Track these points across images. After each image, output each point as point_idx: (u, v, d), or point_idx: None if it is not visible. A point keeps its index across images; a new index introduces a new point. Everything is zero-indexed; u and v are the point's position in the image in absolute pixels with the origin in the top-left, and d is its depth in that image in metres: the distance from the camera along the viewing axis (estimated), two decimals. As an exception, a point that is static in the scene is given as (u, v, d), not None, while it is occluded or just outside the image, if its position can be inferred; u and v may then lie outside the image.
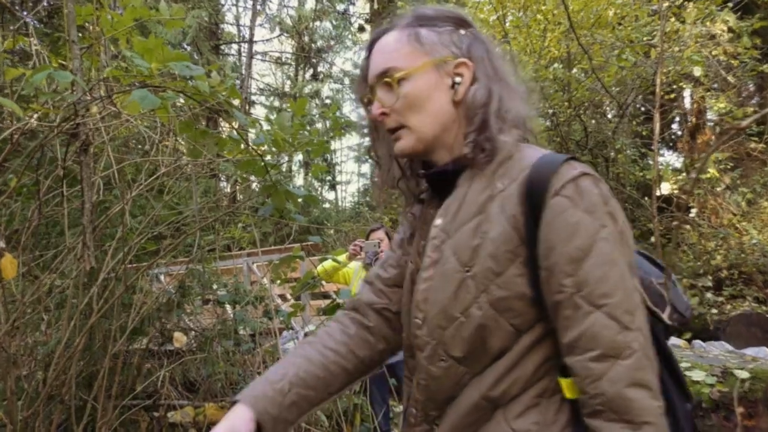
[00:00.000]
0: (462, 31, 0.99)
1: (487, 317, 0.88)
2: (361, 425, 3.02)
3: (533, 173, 0.89)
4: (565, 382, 0.88)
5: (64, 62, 2.56)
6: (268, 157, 1.92)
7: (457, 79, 0.97)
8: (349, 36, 19.61)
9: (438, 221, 0.98)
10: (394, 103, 0.97)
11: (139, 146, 3.32)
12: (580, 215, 0.84)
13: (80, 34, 2.09)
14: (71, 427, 2.30)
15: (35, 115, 1.88)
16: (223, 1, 17.20)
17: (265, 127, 2.10)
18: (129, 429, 2.87)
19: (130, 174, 2.82)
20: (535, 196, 0.87)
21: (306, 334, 4.94)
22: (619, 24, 5.76)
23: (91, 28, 2.26)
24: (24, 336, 2.45)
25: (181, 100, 1.91)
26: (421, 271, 0.98)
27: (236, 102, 1.90)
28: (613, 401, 0.80)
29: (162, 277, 3.93)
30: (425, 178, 1.05)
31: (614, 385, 0.80)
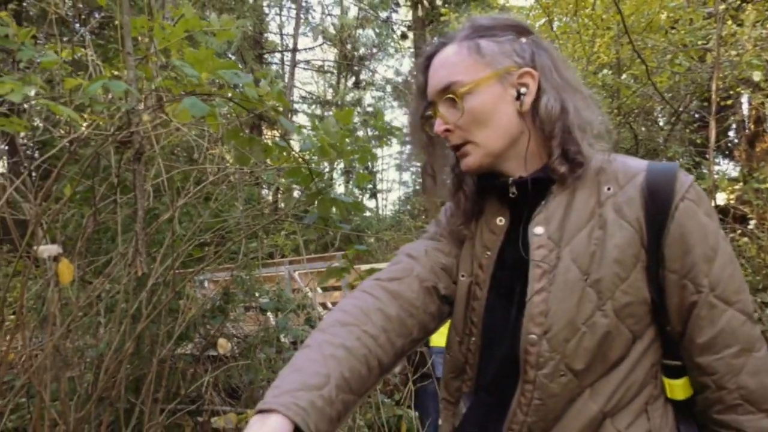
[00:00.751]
0: (523, 40, 0.97)
1: (611, 325, 0.87)
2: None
3: (652, 178, 0.89)
4: (676, 384, 0.89)
5: (117, 72, 2.63)
6: (322, 166, 1.92)
7: (522, 90, 0.94)
8: (392, 43, 19.71)
9: (539, 229, 0.93)
10: (458, 119, 0.95)
11: (184, 154, 3.38)
12: (704, 217, 0.87)
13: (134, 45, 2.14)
14: (119, 429, 2.34)
15: (91, 124, 1.93)
16: (267, 11, 17.56)
17: (311, 134, 2.10)
18: (174, 433, 2.91)
19: (178, 182, 2.88)
20: (659, 201, 0.88)
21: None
22: (672, 28, 5.57)
23: (141, 39, 2.31)
24: (75, 339, 2.51)
25: (227, 109, 1.92)
26: (530, 283, 0.91)
27: (283, 109, 1.91)
28: (754, 393, 0.83)
29: (206, 284, 4.00)
30: (514, 186, 0.97)
31: (755, 377, 0.83)
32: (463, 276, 1.03)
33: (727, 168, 11.44)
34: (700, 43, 5.27)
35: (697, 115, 7.56)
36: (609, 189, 0.91)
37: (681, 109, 6.05)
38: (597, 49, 5.90)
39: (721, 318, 0.84)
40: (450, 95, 0.95)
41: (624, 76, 6.06)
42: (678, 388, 0.89)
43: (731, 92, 5.93)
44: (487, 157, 0.96)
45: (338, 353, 0.85)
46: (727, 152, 11.88)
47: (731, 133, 11.52)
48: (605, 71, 6.03)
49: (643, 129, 7.31)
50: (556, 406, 0.89)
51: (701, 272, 0.85)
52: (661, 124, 7.87)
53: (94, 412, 2.21)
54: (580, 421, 0.88)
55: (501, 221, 1.00)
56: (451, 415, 1.05)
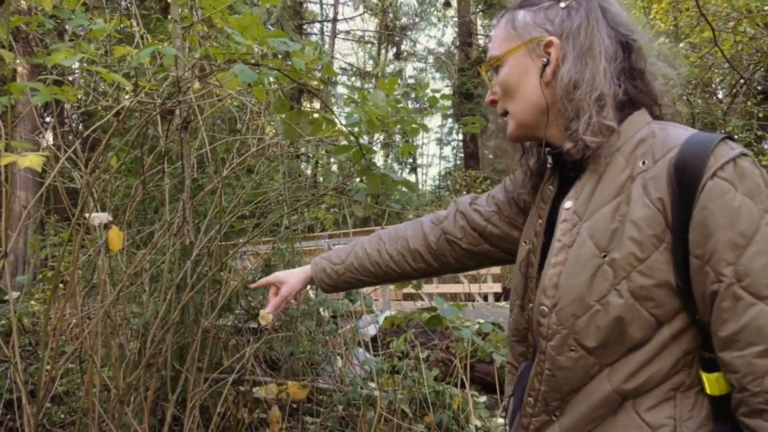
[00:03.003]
0: (562, 4, 0.94)
1: (627, 306, 0.83)
2: (440, 412, 2.95)
3: (684, 153, 0.82)
4: (709, 378, 0.83)
5: (160, 42, 2.61)
6: (363, 138, 1.86)
7: (544, 60, 0.94)
8: (435, 12, 19.28)
9: (568, 203, 0.94)
10: (498, 92, 1.01)
11: (224, 126, 3.38)
12: (742, 198, 0.77)
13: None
14: (166, 395, 2.39)
15: (138, 94, 1.92)
16: (308, -19, 17.41)
17: (355, 107, 2.03)
18: (217, 401, 2.97)
19: (221, 153, 2.87)
20: (687, 178, 0.80)
21: (386, 318, 4.93)
22: (737, -8, 5.24)
23: (182, 9, 2.27)
24: (123, 307, 2.56)
25: (272, 79, 1.87)
26: (549, 256, 0.93)
27: (329, 80, 1.85)
28: None
29: (247, 256, 4.03)
30: (551, 156, 1.02)
31: None
32: (524, 242, 1.05)
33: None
34: (766, 8, 4.92)
35: (760, 87, 7.12)
36: (644, 163, 0.86)
37: (746, 77, 5.69)
38: (654, 15, 5.59)
39: (747, 312, 0.75)
40: (489, 68, 1.01)
41: (682, 44, 5.74)
42: (712, 383, 0.82)
43: (801, 62, 5.56)
44: (521, 128, 1.00)
45: (359, 252, 1.31)
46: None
47: (798, 106, 10.89)
48: (662, 40, 5.71)
49: (701, 101, 6.96)
50: (568, 379, 0.90)
51: (723, 260, 0.77)
52: (720, 96, 7.46)
53: (142, 378, 2.26)
54: (594, 399, 0.88)
55: (550, 190, 1.02)
56: (513, 379, 1.08)
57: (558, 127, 0.96)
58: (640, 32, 0.95)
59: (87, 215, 1.98)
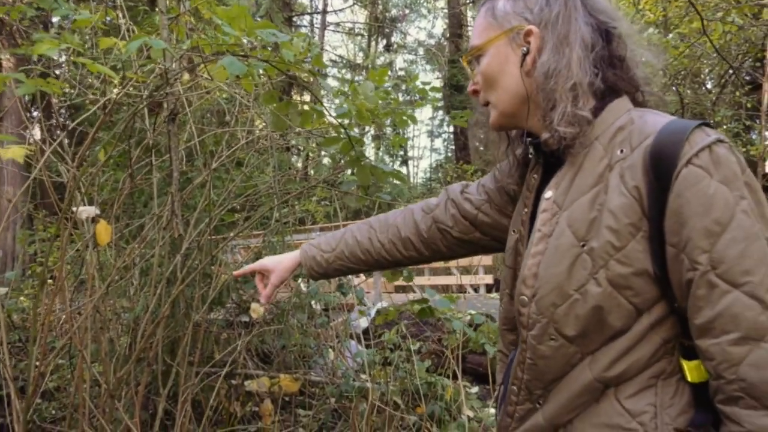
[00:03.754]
0: None
1: (606, 295, 0.83)
2: (432, 403, 2.96)
3: (659, 140, 0.81)
4: (689, 365, 0.82)
5: (147, 34, 2.58)
6: (353, 131, 1.85)
7: (524, 49, 0.93)
8: (425, 4, 19.20)
9: (548, 193, 0.94)
10: (479, 81, 1.00)
11: (212, 118, 3.35)
12: (717, 186, 0.76)
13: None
14: (157, 389, 2.38)
15: (124, 86, 1.89)
16: (297, -28, 17.25)
17: (344, 98, 2.02)
18: (208, 394, 2.96)
19: (210, 145, 2.85)
20: (662, 166, 0.79)
21: (378, 311, 4.94)
22: (726, -18, 5.25)
23: (173, 2, 2.25)
24: (113, 301, 2.54)
25: (261, 71, 1.86)
26: (529, 246, 0.94)
27: (317, 72, 1.83)
28: (755, 387, 0.74)
29: (237, 249, 4.01)
30: (533, 146, 1.02)
31: (758, 370, 0.74)
32: (513, 232, 1.05)
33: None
34: (756, -2, 4.95)
35: (748, 77, 7.17)
36: (621, 152, 0.85)
37: (732, 69, 5.71)
38: (643, 6, 5.59)
39: (722, 300, 0.75)
40: (470, 57, 1.01)
41: (671, 35, 5.75)
42: (692, 370, 0.82)
43: (788, 52, 5.59)
44: (503, 117, 0.99)
45: (350, 240, 1.30)
46: (779, 117, 11.31)
47: (785, 97, 10.96)
48: (651, 30, 5.72)
49: (690, 92, 6.99)
50: (550, 368, 0.90)
51: (698, 248, 0.76)
52: (708, 86, 7.50)
53: (132, 372, 2.25)
54: (575, 387, 0.88)
55: (534, 179, 1.02)
56: (504, 368, 1.08)
57: (538, 117, 0.95)
58: (621, 19, 0.94)
59: (74, 209, 1.96)
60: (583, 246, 0.85)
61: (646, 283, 0.82)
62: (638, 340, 0.84)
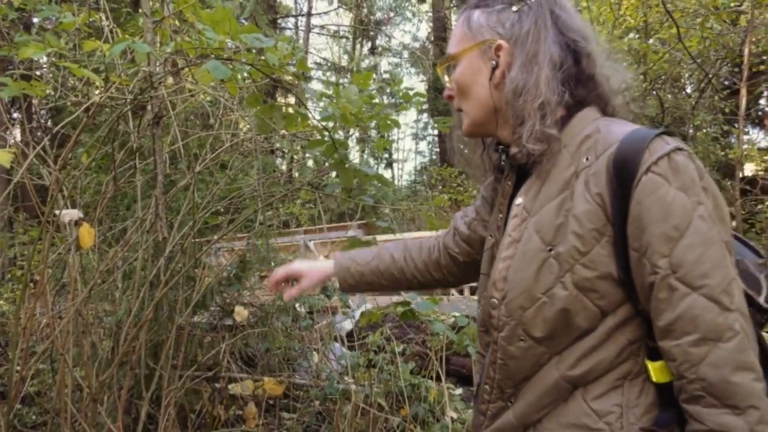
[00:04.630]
0: (514, 8, 0.96)
1: (572, 298, 0.86)
2: (416, 405, 2.98)
3: (622, 149, 0.84)
4: (653, 366, 0.85)
5: (131, 37, 2.57)
6: (338, 134, 1.86)
7: (493, 63, 0.96)
8: (409, 7, 19.26)
9: (519, 200, 0.97)
10: (454, 88, 1.03)
11: (198, 122, 3.34)
12: (675, 192, 0.80)
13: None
14: (140, 393, 2.37)
15: (108, 89, 1.89)
16: (282, -26, 17.21)
17: (328, 101, 2.03)
18: (192, 398, 2.94)
19: (194, 148, 2.84)
20: (624, 174, 0.83)
21: (362, 313, 4.95)
22: (705, -11, 5.35)
23: (153, 3, 2.24)
24: (94, 305, 2.52)
25: (245, 74, 1.86)
26: (500, 250, 0.97)
27: (302, 75, 1.84)
28: (715, 386, 0.76)
29: (221, 252, 3.99)
30: (504, 154, 1.05)
31: (717, 369, 0.76)
32: (490, 236, 1.08)
33: (758, 137, 11.12)
34: (732, 5, 5.04)
35: (727, 82, 7.31)
36: (587, 159, 0.89)
37: (711, 74, 5.82)
38: (624, 12, 5.68)
39: (682, 302, 0.78)
40: (445, 65, 1.03)
41: (651, 40, 5.84)
42: (657, 371, 0.85)
43: (764, 57, 5.70)
44: (473, 126, 1.02)
45: (386, 257, 1.33)
46: (757, 121, 11.49)
47: (762, 101, 11.12)
48: (632, 35, 5.80)
49: (670, 96, 7.10)
50: (519, 367, 0.93)
51: (657, 252, 0.80)
52: (688, 91, 7.63)
53: (115, 376, 2.23)
54: (543, 385, 0.91)
55: (508, 185, 1.05)
56: (480, 368, 1.11)
57: (509, 129, 0.98)
58: (591, 37, 0.97)
59: (57, 212, 1.95)
60: (551, 251, 0.88)
61: (610, 286, 0.85)
62: (603, 340, 0.87)
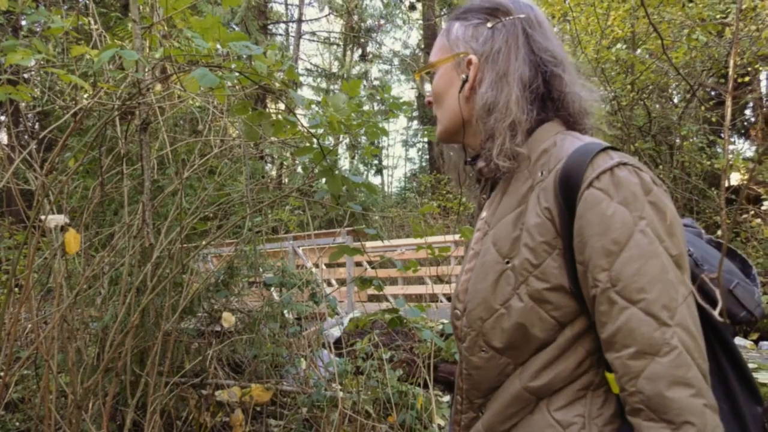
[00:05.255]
0: (489, 24, 0.98)
1: (528, 309, 0.86)
2: (403, 412, 2.98)
3: (568, 164, 0.85)
4: (610, 377, 0.85)
5: (119, 42, 2.57)
6: (326, 141, 1.87)
7: (463, 76, 0.98)
8: (400, 15, 19.36)
9: (483, 213, 0.99)
10: (431, 95, 1.06)
11: (185, 127, 3.34)
12: (615, 207, 0.80)
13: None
14: (125, 400, 2.35)
15: (96, 95, 1.88)
16: (273, -20, 17.24)
17: (318, 110, 2.04)
18: (178, 405, 2.92)
19: (182, 154, 2.84)
20: (569, 189, 0.84)
21: (351, 320, 4.94)
22: (690, 1, 5.41)
23: (143, 8, 2.24)
24: (81, 311, 2.50)
25: (234, 81, 1.87)
26: (464, 263, 1.00)
27: (291, 82, 1.85)
28: (651, 400, 0.76)
29: (209, 258, 3.98)
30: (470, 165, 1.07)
31: (652, 383, 0.76)
32: (472, 249, 1.08)
33: (743, 147, 11.25)
34: (718, 17, 5.12)
35: (713, 93, 7.42)
36: (541, 174, 0.90)
37: (697, 85, 5.89)
38: (611, 22, 5.75)
39: (621, 316, 0.78)
40: (425, 72, 1.07)
41: (639, 51, 5.91)
42: (613, 382, 0.84)
43: (749, 69, 5.79)
44: (444, 134, 1.06)
45: None
46: (742, 131, 11.66)
47: (748, 112, 11.29)
48: (619, 46, 5.88)
49: (657, 106, 7.18)
50: (484, 378, 0.95)
51: (598, 266, 0.80)
52: (675, 101, 7.72)
53: (100, 383, 2.21)
54: (506, 396, 0.92)
55: (483, 198, 1.06)
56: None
57: (476, 140, 1.00)
58: (563, 57, 0.98)
59: (43, 217, 1.94)
60: (507, 263, 0.89)
61: (563, 298, 0.85)
62: (562, 352, 0.87)
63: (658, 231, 0.80)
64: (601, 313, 0.81)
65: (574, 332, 0.86)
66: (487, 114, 0.94)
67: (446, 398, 3.85)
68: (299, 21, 17.64)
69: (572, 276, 0.84)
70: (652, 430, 0.76)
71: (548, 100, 0.97)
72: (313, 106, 2.11)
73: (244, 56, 1.68)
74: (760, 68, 5.89)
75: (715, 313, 0.88)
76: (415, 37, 21.18)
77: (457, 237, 4.63)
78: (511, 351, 0.90)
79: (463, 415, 1.01)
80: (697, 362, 0.77)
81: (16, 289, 2.70)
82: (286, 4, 18.79)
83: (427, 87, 1.11)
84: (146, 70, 1.78)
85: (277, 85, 1.80)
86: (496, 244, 0.92)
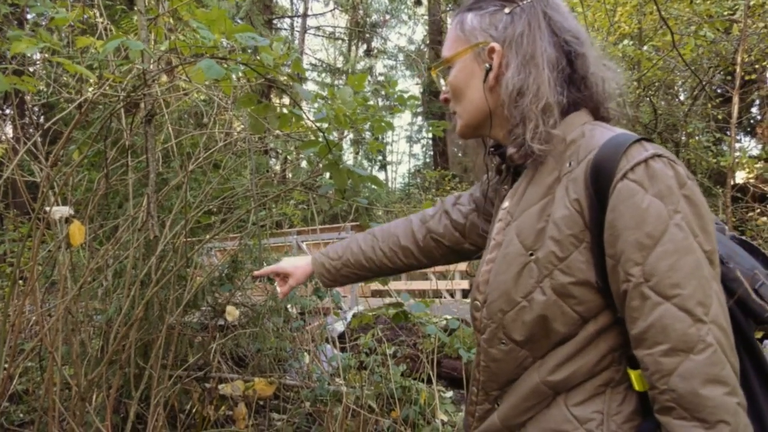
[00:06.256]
0: (507, 10, 0.95)
1: (550, 303, 0.85)
2: (406, 407, 2.98)
3: (600, 155, 0.83)
4: (634, 374, 0.83)
5: (124, 33, 2.56)
6: (332, 135, 1.86)
7: (486, 65, 0.95)
8: (405, 10, 19.30)
9: (506, 203, 0.97)
10: (449, 91, 1.03)
11: (192, 121, 3.33)
12: (650, 200, 0.78)
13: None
14: (129, 392, 2.35)
15: (101, 86, 1.88)
16: (278, -25, 17.19)
17: (324, 103, 2.03)
18: (182, 398, 2.93)
19: (187, 147, 2.83)
20: (601, 180, 0.82)
21: (354, 315, 4.94)
22: (698, -3, 5.39)
23: (153, 1, 2.23)
24: (85, 303, 2.51)
25: (240, 74, 1.86)
26: (485, 253, 0.98)
27: (296, 76, 1.84)
28: (684, 398, 0.74)
29: (213, 252, 3.98)
30: (498, 156, 1.05)
31: (686, 381, 0.74)
32: (494, 240, 1.07)
33: (749, 145, 11.21)
34: (726, 13, 5.09)
35: (719, 90, 7.36)
36: (570, 165, 0.88)
37: (706, 81, 5.85)
38: (618, 18, 5.71)
39: (654, 311, 0.76)
40: (440, 68, 1.04)
41: (645, 47, 5.88)
42: (638, 379, 0.83)
43: (757, 66, 5.76)
44: (467, 128, 1.02)
45: (354, 248, 1.34)
46: (749, 129, 11.60)
47: (754, 109, 11.23)
48: (626, 42, 5.84)
49: (663, 103, 7.15)
50: (502, 370, 0.94)
51: (630, 260, 0.78)
52: (681, 98, 7.69)
53: (104, 375, 2.21)
54: (524, 389, 0.91)
55: (505, 189, 1.04)
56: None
57: (503, 131, 0.98)
58: (585, 37, 0.96)
59: (47, 209, 1.94)
60: (531, 255, 0.87)
61: (589, 293, 0.84)
62: (584, 347, 0.86)
63: (693, 225, 0.77)
64: (633, 308, 0.79)
65: (597, 327, 0.85)
66: (517, 98, 0.91)
67: (449, 394, 3.85)
68: (304, 15, 17.61)
69: (599, 270, 0.83)
70: (684, 429, 0.75)
71: (572, 82, 0.94)
72: (319, 99, 2.10)
73: (250, 49, 1.67)
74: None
75: (754, 296, 0.86)
76: (420, 32, 21.19)
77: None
78: (531, 344, 0.89)
79: (479, 406, 1.00)
80: (730, 360, 0.75)
81: (21, 281, 2.70)
82: (291, -1, 18.76)
83: (443, 82, 1.08)
84: (152, 61, 1.77)
85: (283, 78, 1.79)
86: (519, 235, 0.90)
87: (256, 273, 1.46)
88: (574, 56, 0.94)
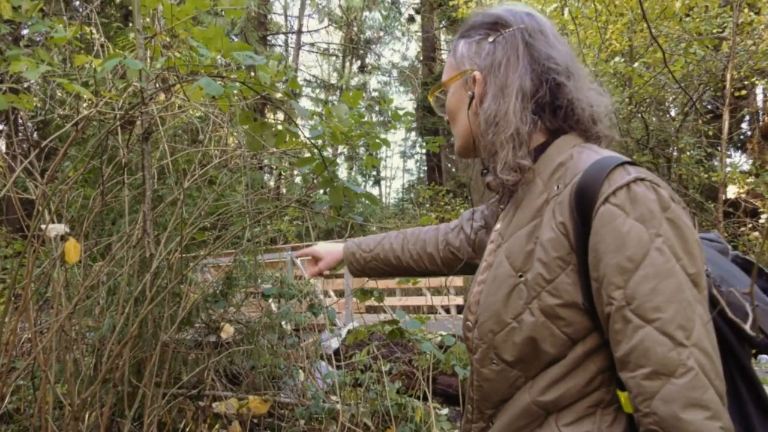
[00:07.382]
0: (490, 39, 0.97)
1: (539, 324, 0.85)
2: (402, 425, 2.95)
3: (584, 179, 0.84)
4: (623, 396, 0.83)
5: (121, 51, 2.57)
6: (326, 151, 1.87)
7: (470, 93, 0.98)
8: (399, 27, 19.50)
9: (498, 225, 0.99)
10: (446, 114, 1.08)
11: (185, 137, 3.34)
12: (632, 223, 0.78)
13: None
14: (122, 411, 2.33)
15: (96, 104, 1.89)
16: (273, -8, 17.34)
17: (319, 120, 2.04)
18: (175, 417, 2.90)
19: (182, 164, 2.83)
20: (585, 204, 0.82)
21: (349, 331, 4.92)
22: (687, 15, 5.46)
23: (145, 19, 2.25)
24: (79, 321, 2.49)
25: (236, 91, 1.87)
26: (476, 274, 1.00)
27: (291, 93, 1.86)
28: (666, 422, 0.74)
29: (207, 268, 3.96)
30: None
31: (667, 405, 0.74)
32: (485, 261, 1.08)
33: (740, 161, 11.30)
34: (715, 31, 5.17)
35: (710, 106, 7.46)
36: (557, 188, 0.88)
37: (696, 97, 5.92)
38: (609, 35, 5.79)
39: (636, 335, 0.76)
40: (437, 91, 1.09)
41: (636, 64, 5.95)
42: (626, 401, 0.82)
43: (746, 83, 5.84)
44: (461, 149, 1.06)
45: (386, 245, 1.44)
46: (739, 144, 11.73)
47: (744, 125, 11.36)
48: (617, 59, 5.91)
49: (655, 119, 7.22)
50: (494, 389, 0.94)
51: (612, 284, 0.78)
52: (672, 114, 7.77)
53: (97, 393, 2.19)
54: (517, 409, 0.91)
55: (501, 209, 1.06)
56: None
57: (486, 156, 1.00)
58: (570, 64, 0.96)
59: (43, 227, 1.93)
60: (521, 277, 0.88)
61: (576, 315, 0.84)
62: (573, 368, 0.86)
63: (675, 249, 0.77)
64: (616, 331, 0.79)
65: (586, 349, 0.85)
66: (488, 127, 0.93)
67: (445, 410, 3.82)
68: (299, 32, 17.74)
69: (586, 292, 0.83)
70: None
71: (557, 109, 0.94)
72: (315, 116, 2.11)
73: (247, 66, 1.69)
74: (757, 82, 5.94)
75: (747, 326, 0.85)
76: (414, 49, 21.34)
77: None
78: (522, 364, 0.90)
79: (474, 424, 1.01)
80: (713, 384, 0.75)
81: (14, 299, 2.68)
82: (286, 16, 18.94)
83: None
84: (150, 79, 1.79)
85: (279, 95, 1.81)
86: (509, 257, 0.91)
87: (298, 253, 1.57)
88: (554, 84, 0.94)
